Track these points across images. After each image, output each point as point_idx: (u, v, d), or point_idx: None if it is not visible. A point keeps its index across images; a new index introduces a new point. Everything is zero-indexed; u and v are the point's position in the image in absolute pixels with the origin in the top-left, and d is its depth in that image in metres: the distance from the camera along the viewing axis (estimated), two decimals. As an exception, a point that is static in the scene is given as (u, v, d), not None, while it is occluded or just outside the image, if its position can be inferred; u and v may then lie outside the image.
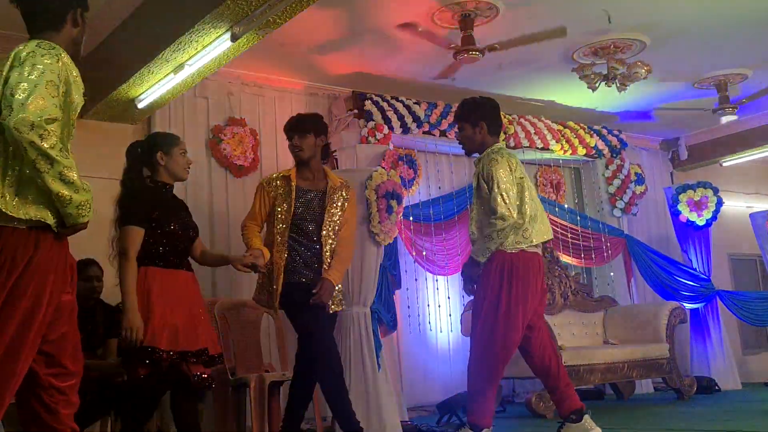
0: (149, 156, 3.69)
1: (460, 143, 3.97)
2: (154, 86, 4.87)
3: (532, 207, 3.77)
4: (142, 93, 4.98)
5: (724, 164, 8.60)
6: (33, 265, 2.24)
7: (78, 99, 2.33)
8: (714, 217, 7.74)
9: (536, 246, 3.79)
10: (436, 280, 6.72)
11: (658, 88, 6.89)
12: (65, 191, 2.21)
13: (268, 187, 3.98)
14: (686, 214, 7.71)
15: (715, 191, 7.76)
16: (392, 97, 6.33)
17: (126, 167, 3.71)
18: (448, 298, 6.72)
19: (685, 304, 7.20)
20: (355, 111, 6.21)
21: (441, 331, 6.69)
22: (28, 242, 2.24)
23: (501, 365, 3.72)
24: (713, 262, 7.86)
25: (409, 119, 6.31)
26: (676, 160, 8.76)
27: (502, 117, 6.88)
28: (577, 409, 3.76)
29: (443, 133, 6.57)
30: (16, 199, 2.21)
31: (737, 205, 8.88)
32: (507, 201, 3.64)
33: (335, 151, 6.23)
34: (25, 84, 2.14)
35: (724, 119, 6.94)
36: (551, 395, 3.88)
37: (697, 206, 7.68)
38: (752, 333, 8.96)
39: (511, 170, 3.73)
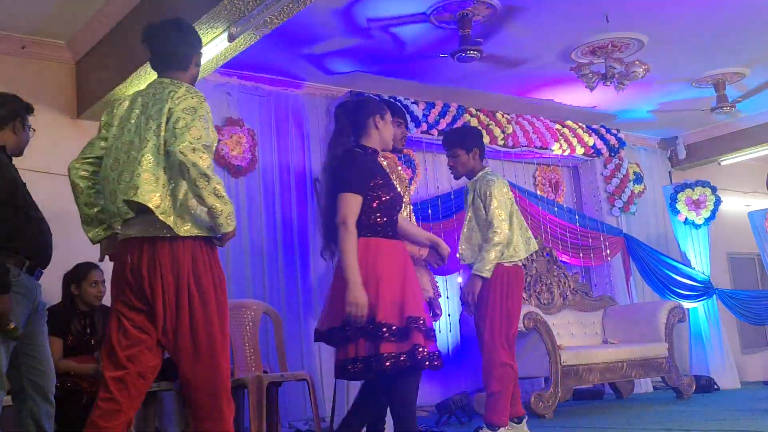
0: (363, 119, 3.33)
1: (452, 168, 4.25)
2: (151, 87, 4.84)
3: (519, 223, 4.19)
4: (140, 93, 4.96)
5: (723, 163, 8.60)
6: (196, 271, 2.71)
7: (213, 133, 2.70)
8: (712, 216, 7.74)
9: (523, 259, 4.24)
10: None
11: (657, 87, 6.89)
12: (218, 204, 2.56)
13: None
14: (685, 213, 7.71)
15: (714, 190, 7.76)
16: (390, 97, 6.32)
17: (336, 130, 3.36)
18: (447, 298, 6.71)
19: (683, 303, 7.20)
20: (353, 111, 6.18)
21: (440, 332, 6.68)
22: (186, 253, 2.65)
23: (513, 366, 4.06)
24: (712, 260, 7.86)
25: (407, 118, 6.29)
26: (675, 159, 8.76)
27: (501, 116, 6.96)
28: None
29: (441, 133, 6.56)
30: (178, 219, 2.59)
31: (736, 204, 8.88)
32: (503, 217, 4.03)
33: (333, 151, 6.22)
34: (187, 117, 2.56)
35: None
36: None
37: (696, 205, 7.68)
38: (751, 332, 8.96)
39: (504, 191, 4.13)
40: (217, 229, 2.68)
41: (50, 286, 4.00)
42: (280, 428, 5.11)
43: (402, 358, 2.95)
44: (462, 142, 4.19)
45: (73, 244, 4.70)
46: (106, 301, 4.47)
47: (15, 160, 3.38)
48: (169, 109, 2.59)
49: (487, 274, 3.98)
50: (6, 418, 3.67)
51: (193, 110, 2.60)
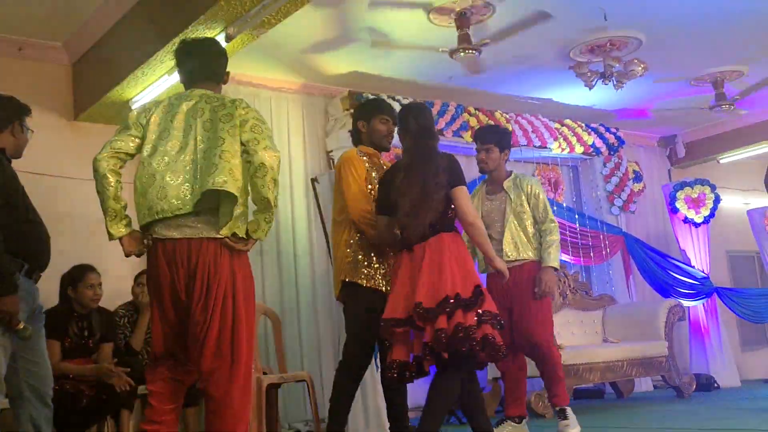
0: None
1: (481, 161, 4.35)
2: (148, 88, 4.84)
3: None
4: (137, 95, 4.95)
5: (722, 161, 8.60)
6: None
7: None
8: (712, 214, 7.73)
9: None
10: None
11: (655, 85, 6.88)
12: (272, 210, 2.77)
13: None
14: (684, 211, 7.70)
15: (713, 188, 7.75)
16: (389, 96, 6.30)
17: (423, 126, 3.57)
18: (447, 297, 6.69)
19: (683, 302, 7.19)
20: (352, 111, 6.17)
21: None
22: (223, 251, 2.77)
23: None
24: (711, 259, 7.85)
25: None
26: (674, 158, 8.75)
27: (500, 115, 6.95)
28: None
29: (440, 133, 6.54)
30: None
31: (735, 202, 8.88)
32: (552, 216, 4.39)
33: (332, 151, 6.22)
34: (262, 125, 2.81)
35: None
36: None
37: (695, 203, 7.67)
38: (751, 330, 8.95)
39: None
40: (257, 233, 2.80)
41: (46, 288, 3.99)
42: (280, 429, 5.11)
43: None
44: (499, 141, 4.36)
45: (69, 247, 4.71)
46: (103, 303, 4.49)
47: (12, 162, 3.36)
48: (241, 115, 2.81)
49: (558, 266, 4.30)
50: (4, 421, 3.66)
51: (262, 120, 2.84)
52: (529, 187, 4.34)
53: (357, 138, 3.95)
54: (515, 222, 4.29)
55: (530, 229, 4.29)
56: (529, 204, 4.32)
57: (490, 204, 4.38)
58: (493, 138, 4.37)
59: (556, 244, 4.27)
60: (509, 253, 4.23)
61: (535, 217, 4.31)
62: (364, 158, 3.79)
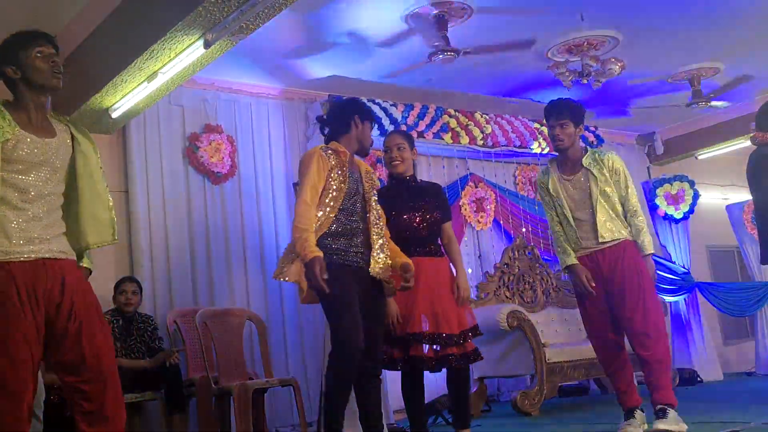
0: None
1: (556, 137, 4.00)
2: (127, 95, 4.82)
3: None
4: (116, 102, 4.93)
5: (700, 157, 8.68)
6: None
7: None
8: (691, 210, 7.81)
9: None
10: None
11: (633, 83, 6.94)
12: None
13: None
14: (664, 207, 7.78)
15: (692, 184, 7.83)
16: (369, 100, 6.32)
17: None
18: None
19: (665, 297, 7.26)
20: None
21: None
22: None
23: None
24: (692, 254, 7.93)
25: (386, 121, 6.30)
26: (653, 155, 8.83)
27: (479, 117, 6.98)
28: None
29: (421, 135, 6.57)
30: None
31: (714, 198, 8.97)
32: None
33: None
34: None
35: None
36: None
37: (675, 199, 7.75)
38: (732, 324, 9.06)
39: None
40: None
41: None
42: (267, 434, 5.10)
43: None
44: (574, 115, 4.00)
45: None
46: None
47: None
48: None
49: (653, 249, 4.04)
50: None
51: None
52: (611, 161, 3.98)
53: (341, 133, 3.61)
54: (603, 201, 3.92)
55: (619, 207, 3.94)
56: (611, 180, 3.96)
57: (571, 186, 4.00)
58: (569, 112, 3.98)
59: (646, 229, 3.97)
60: (605, 235, 3.88)
61: (619, 194, 3.96)
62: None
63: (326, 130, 3.71)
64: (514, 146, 7.17)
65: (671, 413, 3.77)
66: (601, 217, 3.90)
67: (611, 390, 6.77)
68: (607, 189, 3.92)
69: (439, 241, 4.01)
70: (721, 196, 9.04)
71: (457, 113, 6.83)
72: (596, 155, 4.01)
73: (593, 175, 3.94)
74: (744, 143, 8.16)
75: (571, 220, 3.97)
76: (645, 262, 3.92)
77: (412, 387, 3.94)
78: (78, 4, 4.62)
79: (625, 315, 3.85)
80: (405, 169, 4.00)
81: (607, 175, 3.95)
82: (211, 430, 4.83)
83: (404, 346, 3.80)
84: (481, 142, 6.89)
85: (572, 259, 3.95)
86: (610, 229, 3.89)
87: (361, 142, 3.63)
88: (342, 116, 3.64)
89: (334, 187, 3.43)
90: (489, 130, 6.96)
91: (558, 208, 4.03)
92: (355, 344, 3.26)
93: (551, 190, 4.03)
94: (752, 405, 4.97)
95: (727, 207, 8.40)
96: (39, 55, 2.67)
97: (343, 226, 3.44)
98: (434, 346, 3.79)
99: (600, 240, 3.87)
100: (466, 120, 6.84)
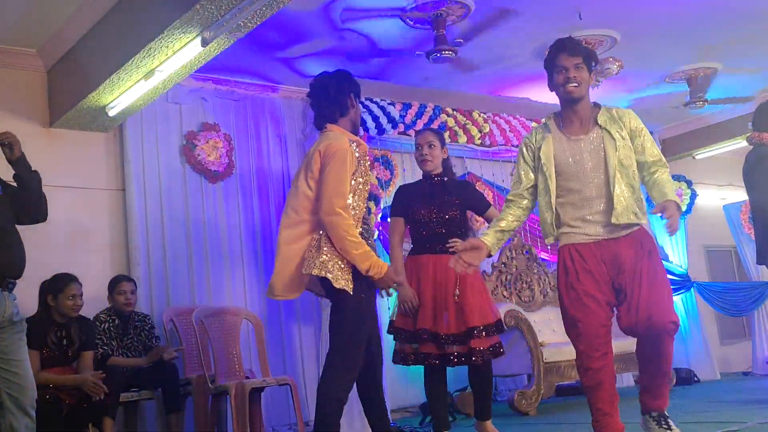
0: None
1: (572, 80, 3.11)
2: (124, 93, 4.81)
3: None
4: (113, 100, 4.92)
5: (697, 157, 8.69)
6: None
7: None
8: (689, 210, 7.81)
9: None
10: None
11: (631, 83, 6.94)
12: None
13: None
14: (661, 207, 7.77)
15: (689, 184, 7.83)
16: (366, 98, 6.31)
17: None
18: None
19: (663, 297, 7.25)
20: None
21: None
22: None
23: None
24: (689, 254, 7.94)
25: (384, 120, 6.29)
26: (651, 154, 8.81)
27: (477, 116, 6.97)
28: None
29: (418, 134, 6.56)
30: None
31: (711, 197, 8.98)
32: None
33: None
34: None
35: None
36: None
37: (671, 200, 7.74)
38: (729, 323, 9.06)
39: None
40: None
41: (23, 296, 3.96)
42: (264, 434, 5.09)
43: None
44: (590, 57, 3.19)
45: (46, 255, 4.68)
46: (84, 312, 4.45)
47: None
48: None
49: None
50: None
51: None
52: (630, 119, 3.17)
53: (339, 114, 3.34)
54: (621, 170, 3.07)
55: (636, 183, 3.13)
56: (630, 144, 3.12)
57: (578, 150, 3.12)
58: (585, 51, 3.17)
59: (671, 180, 3.18)
60: (621, 216, 3.05)
61: (638, 161, 3.13)
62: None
63: (317, 109, 3.36)
64: (512, 145, 7.16)
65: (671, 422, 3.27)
66: (618, 191, 3.06)
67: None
68: (628, 157, 3.10)
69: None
70: (719, 195, 9.05)
71: (455, 112, 6.83)
72: (613, 112, 3.18)
73: (611, 136, 3.10)
74: (741, 143, 8.17)
75: (552, 195, 3.16)
76: (669, 207, 3.01)
77: (438, 382, 3.97)
78: (75, 2, 4.61)
79: (643, 300, 3.05)
80: (435, 167, 4.02)
81: (627, 138, 3.13)
82: (207, 430, 4.82)
83: (435, 342, 3.84)
84: (479, 141, 6.88)
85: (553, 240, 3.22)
86: (627, 209, 3.06)
87: (354, 123, 3.39)
88: (339, 95, 3.33)
89: (360, 188, 3.20)
90: (487, 129, 6.95)
91: (544, 180, 3.18)
92: (345, 395, 3.12)
93: (543, 156, 3.18)
94: (749, 405, 4.97)
95: (725, 207, 8.41)
96: None
97: (363, 229, 3.24)
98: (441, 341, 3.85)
99: (614, 221, 3.05)
100: (464, 119, 6.83)
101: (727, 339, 9.07)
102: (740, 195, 8.02)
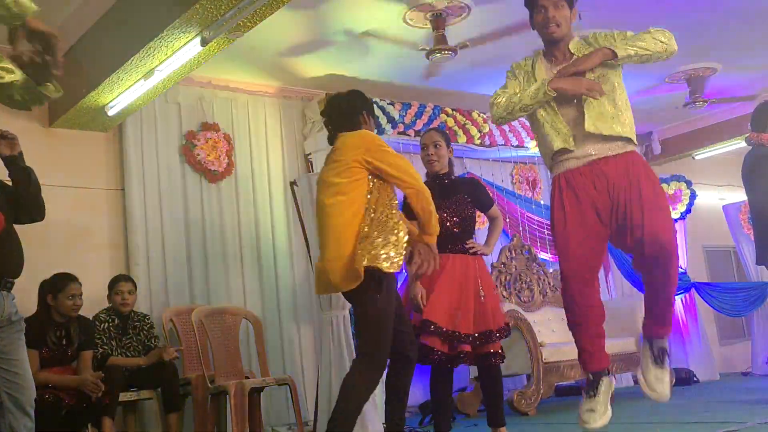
0: None
1: (550, 21, 3.16)
2: (124, 93, 4.81)
3: None
4: (113, 100, 4.92)
5: (697, 157, 8.69)
6: None
7: None
8: (688, 210, 7.81)
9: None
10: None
11: (630, 83, 6.88)
12: None
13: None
14: (661, 208, 7.77)
15: (689, 184, 7.83)
16: (366, 99, 6.31)
17: None
18: (428, 298, 6.71)
19: (662, 297, 7.25)
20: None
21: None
22: None
23: None
24: (688, 254, 7.94)
25: (383, 120, 6.30)
26: (650, 155, 8.82)
27: (477, 115, 6.97)
28: None
29: (418, 133, 6.56)
30: None
31: (710, 198, 8.98)
32: None
33: (310, 154, 6.22)
34: None
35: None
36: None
37: (672, 199, 7.75)
38: (729, 324, 9.07)
39: None
40: None
41: (22, 296, 3.96)
42: (263, 433, 5.09)
43: None
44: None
45: (46, 254, 4.67)
46: (83, 311, 4.45)
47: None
48: None
49: None
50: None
51: None
52: (605, 37, 3.16)
53: (350, 130, 3.38)
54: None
55: (621, 102, 3.13)
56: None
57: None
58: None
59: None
60: (598, 123, 3.01)
61: (618, 47, 3.07)
62: None
63: (330, 126, 3.48)
64: (512, 145, 7.17)
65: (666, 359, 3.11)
66: (592, 113, 3.03)
67: (607, 390, 6.80)
68: (604, 79, 3.07)
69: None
70: (718, 196, 9.06)
71: (454, 112, 6.83)
72: (587, 38, 3.17)
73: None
74: (741, 144, 8.17)
75: (557, 111, 3.11)
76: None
77: (445, 381, 3.96)
78: (74, 2, 4.61)
79: (637, 221, 2.94)
80: (441, 167, 4.01)
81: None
82: (207, 430, 4.82)
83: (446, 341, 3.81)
84: (479, 141, 6.89)
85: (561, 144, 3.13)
86: (603, 115, 3.04)
87: None
88: (349, 111, 3.46)
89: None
90: (486, 129, 6.95)
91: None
92: (387, 357, 3.19)
93: (536, 75, 3.21)
94: (748, 405, 4.98)
95: (724, 207, 8.42)
96: None
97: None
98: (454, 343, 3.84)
99: (589, 128, 3.01)
100: (464, 119, 6.84)
101: (726, 339, 9.07)
102: (739, 195, 8.03)
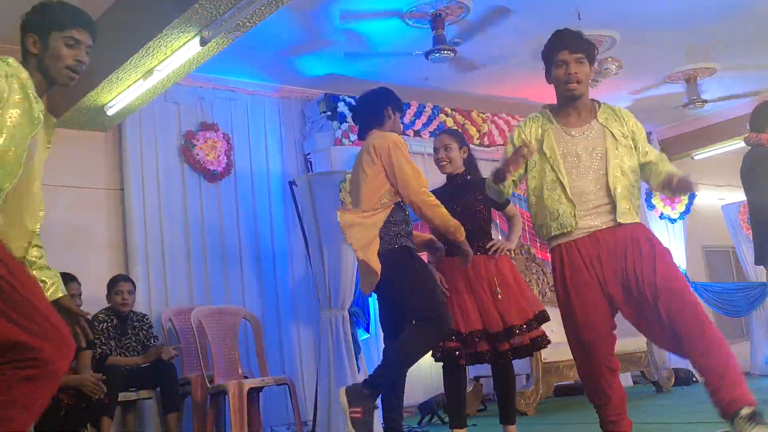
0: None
1: (572, 79, 2.95)
2: (123, 92, 4.81)
3: None
4: (112, 99, 4.92)
5: (696, 157, 8.69)
6: None
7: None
8: (687, 210, 7.81)
9: None
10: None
11: (630, 83, 6.94)
12: None
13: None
14: (660, 207, 7.78)
15: (688, 184, 7.81)
16: (365, 99, 6.31)
17: None
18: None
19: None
20: (328, 113, 6.18)
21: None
22: None
23: None
24: (688, 254, 7.94)
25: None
26: (649, 155, 8.83)
27: (476, 115, 6.97)
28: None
29: (417, 133, 6.57)
30: None
31: (710, 198, 8.98)
32: None
33: (309, 153, 6.22)
34: None
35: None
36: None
37: (671, 200, 7.76)
38: (728, 324, 9.05)
39: None
40: None
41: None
42: (262, 433, 5.09)
43: None
44: (591, 49, 3.07)
45: (47, 255, 4.66)
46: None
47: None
48: None
49: None
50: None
51: None
52: (632, 121, 3.02)
53: (377, 125, 3.62)
54: (620, 168, 2.89)
55: (634, 181, 2.95)
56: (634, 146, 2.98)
57: (576, 143, 2.94)
58: (586, 45, 3.01)
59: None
60: (623, 215, 2.86)
61: (643, 163, 3.00)
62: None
63: (357, 120, 3.74)
64: (511, 145, 7.17)
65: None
66: (617, 188, 2.87)
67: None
68: (625, 155, 2.93)
69: (492, 236, 4.01)
70: (717, 196, 9.05)
71: (453, 112, 6.83)
72: (614, 110, 3.04)
73: (611, 132, 2.94)
74: (740, 144, 8.17)
75: (567, 188, 2.90)
76: (676, 182, 2.90)
77: (459, 380, 3.94)
78: (73, 1, 4.60)
79: (656, 280, 2.81)
80: (453, 169, 4.01)
81: (628, 138, 2.97)
82: (206, 429, 4.81)
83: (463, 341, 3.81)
84: (478, 141, 6.89)
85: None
86: (627, 209, 2.87)
87: (394, 131, 3.67)
88: (376, 107, 3.69)
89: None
90: (485, 129, 6.96)
91: (550, 172, 2.94)
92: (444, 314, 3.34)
93: (547, 150, 2.95)
94: (747, 405, 4.97)
95: (723, 207, 8.41)
96: (71, 42, 2.39)
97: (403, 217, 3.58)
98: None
99: (621, 220, 2.86)
100: (463, 119, 6.84)
101: (725, 339, 9.06)
102: (739, 195, 8.03)
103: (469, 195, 3.97)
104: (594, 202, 2.89)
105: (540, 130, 3.01)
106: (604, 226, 2.88)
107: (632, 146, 2.97)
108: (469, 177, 4.06)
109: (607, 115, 3.00)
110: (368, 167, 3.44)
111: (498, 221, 6.31)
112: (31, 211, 2.29)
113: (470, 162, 4.10)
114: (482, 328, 3.77)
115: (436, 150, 4.06)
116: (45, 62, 2.35)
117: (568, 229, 2.89)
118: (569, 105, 3.00)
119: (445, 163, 3.99)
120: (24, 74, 2.26)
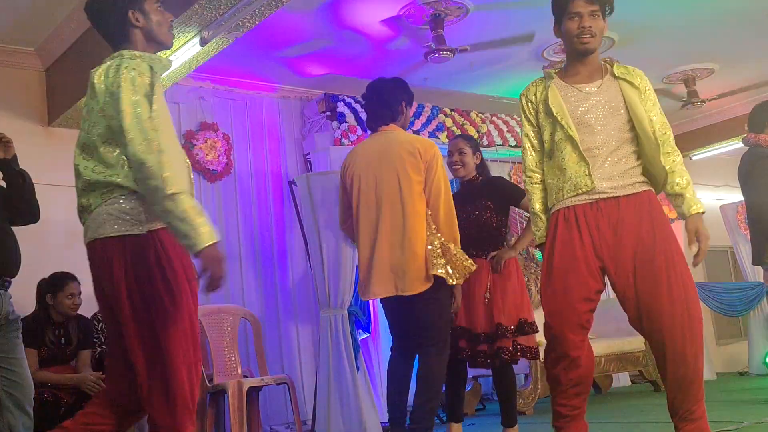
0: None
1: (585, 32, 2.79)
2: (123, 92, 4.80)
3: None
4: (112, 99, 4.91)
5: (694, 158, 8.71)
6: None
7: None
8: (686, 210, 7.81)
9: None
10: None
11: (628, 84, 6.95)
12: None
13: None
14: (658, 207, 7.78)
15: (687, 185, 7.83)
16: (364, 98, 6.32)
17: None
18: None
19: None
20: (328, 113, 6.19)
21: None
22: None
23: None
24: (686, 254, 7.94)
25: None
26: (648, 155, 8.84)
27: (475, 116, 6.98)
28: None
29: (416, 134, 6.57)
30: None
31: (708, 198, 8.99)
32: None
33: (309, 153, 6.22)
34: None
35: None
36: None
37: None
38: (726, 323, 9.09)
39: None
40: None
41: (21, 295, 3.96)
42: (261, 433, 5.10)
43: None
44: (607, 4, 2.93)
45: (44, 254, 4.67)
46: (82, 310, 4.45)
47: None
48: None
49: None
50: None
51: None
52: (641, 80, 2.80)
53: (390, 119, 3.61)
54: (637, 127, 2.68)
55: (648, 146, 2.72)
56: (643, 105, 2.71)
57: (586, 98, 2.73)
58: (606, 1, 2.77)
59: (688, 177, 2.88)
60: (630, 179, 2.69)
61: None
62: None
63: (370, 109, 3.68)
64: (510, 146, 7.18)
65: None
66: (630, 148, 2.65)
67: (605, 390, 6.82)
68: (640, 114, 2.67)
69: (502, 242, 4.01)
70: (716, 196, 9.07)
71: (452, 112, 6.84)
72: (627, 67, 2.85)
73: (629, 86, 2.73)
74: (738, 144, 8.19)
75: (578, 144, 2.65)
76: (695, 222, 2.82)
77: (460, 377, 4.00)
78: (73, 1, 4.61)
79: (654, 299, 2.74)
80: (465, 174, 4.03)
81: (640, 97, 2.73)
82: (205, 429, 4.82)
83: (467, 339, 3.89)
84: (477, 141, 6.90)
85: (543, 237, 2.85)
86: (636, 172, 2.68)
87: (403, 128, 3.69)
88: (391, 100, 3.61)
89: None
90: (484, 129, 6.97)
91: (559, 130, 2.69)
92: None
93: (553, 108, 2.71)
94: (746, 405, 4.99)
95: (721, 207, 8.42)
96: (159, 7, 2.47)
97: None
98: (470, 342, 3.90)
99: (621, 182, 2.66)
100: (462, 119, 6.85)
101: (723, 339, 9.09)
102: (736, 196, 8.04)
103: (478, 200, 3.98)
104: (603, 163, 2.65)
105: (541, 88, 2.82)
106: (609, 193, 2.66)
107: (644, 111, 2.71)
108: (480, 181, 4.08)
109: (624, 70, 2.81)
110: (414, 172, 3.44)
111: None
112: None
113: (483, 168, 4.12)
114: (467, 327, 3.83)
115: (450, 153, 4.09)
116: (154, 30, 2.50)
117: (584, 190, 2.65)
118: (578, 62, 2.79)
119: (458, 166, 4.02)
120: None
